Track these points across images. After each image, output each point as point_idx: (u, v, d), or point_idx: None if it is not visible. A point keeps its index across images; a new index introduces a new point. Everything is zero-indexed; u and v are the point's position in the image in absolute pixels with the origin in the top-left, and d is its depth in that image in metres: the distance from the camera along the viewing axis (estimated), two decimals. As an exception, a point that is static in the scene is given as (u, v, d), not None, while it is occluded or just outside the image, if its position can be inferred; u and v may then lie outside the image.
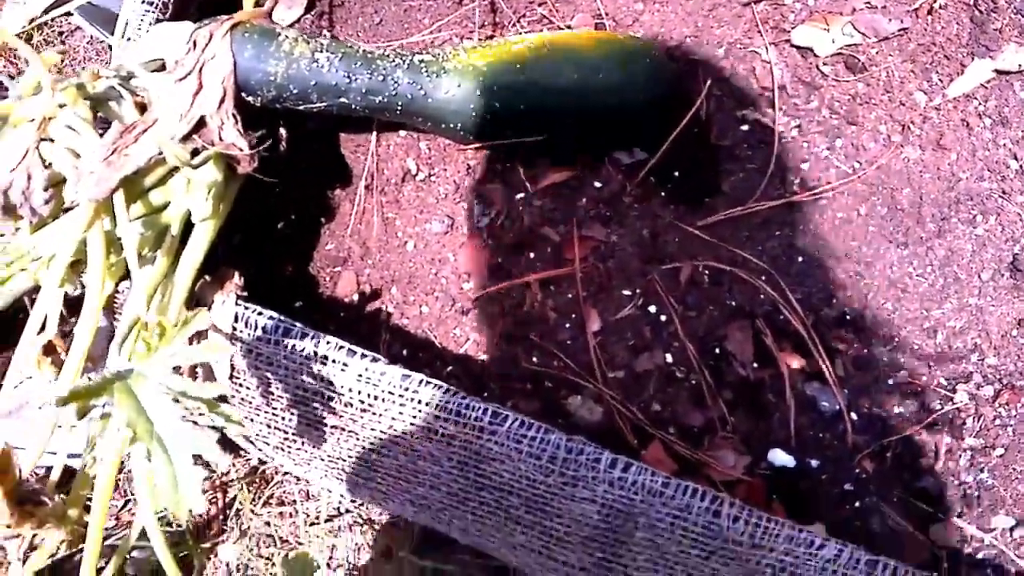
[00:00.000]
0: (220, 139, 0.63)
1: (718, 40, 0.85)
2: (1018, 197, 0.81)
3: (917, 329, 0.80)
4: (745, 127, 0.85)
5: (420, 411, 0.67)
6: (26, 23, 0.87)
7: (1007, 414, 0.79)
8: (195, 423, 0.52)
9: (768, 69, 0.84)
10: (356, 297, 0.84)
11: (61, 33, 1.32)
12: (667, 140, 0.82)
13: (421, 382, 0.67)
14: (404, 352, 0.83)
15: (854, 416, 0.79)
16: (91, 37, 1.33)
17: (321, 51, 0.68)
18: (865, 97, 0.84)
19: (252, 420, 0.73)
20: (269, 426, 0.73)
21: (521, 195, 0.82)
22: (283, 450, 0.75)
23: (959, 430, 0.79)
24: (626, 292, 0.81)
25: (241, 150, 0.63)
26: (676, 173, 0.85)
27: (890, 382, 0.80)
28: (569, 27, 0.86)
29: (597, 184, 0.83)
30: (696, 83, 0.85)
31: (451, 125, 0.73)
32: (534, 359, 0.81)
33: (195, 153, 0.64)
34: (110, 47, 1.31)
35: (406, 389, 0.66)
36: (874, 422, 0.79)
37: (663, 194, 0.84)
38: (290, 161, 0.86)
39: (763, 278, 0.81)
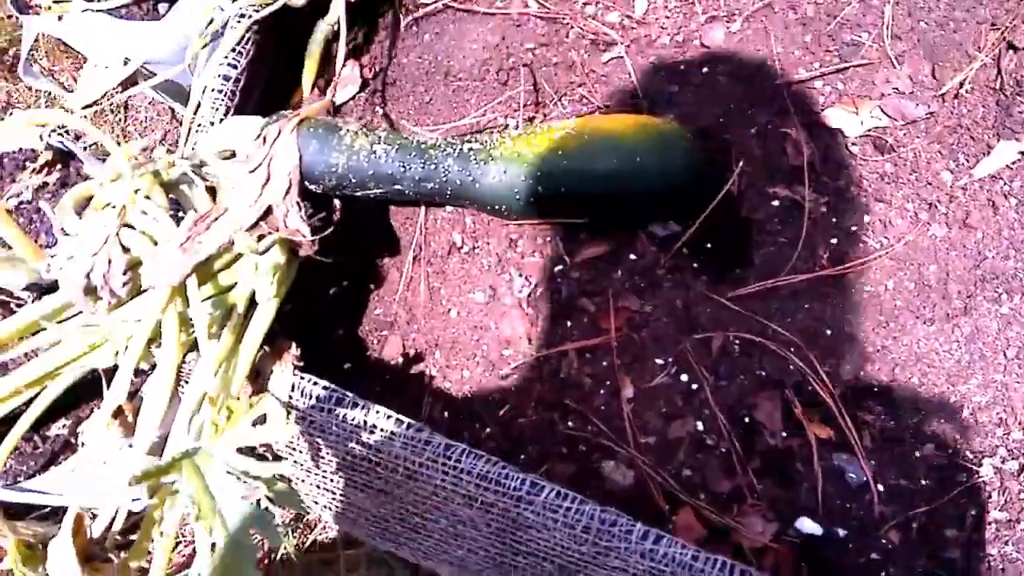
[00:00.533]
0: (285, 226, 0.67)
1: (750, 120, 0.88)
2: (1043, 276, 0.82)
3: (943, 403, 0.81)
4: (776, 203, 0.87)
5: (461, 479, 0.70)
6: (99, 95, 0.93)
7: (1033, 488, 0.79)
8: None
9: (798, 148, 0.86)
10: (401, 360, 0.88)
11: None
12: (700, 215, 0.84)
13: (463, 452, 0.70)
14: (445, 414, 0.86)
15: (880, 487, 0.80)
16: (152, 99, 1.40)
17: (379, 143, 0.72)
18: (893, 176, 0.86)
19: (303, 481, 0.77)
20: (318, 487, 0.76)
21: (560, 267, 0.85)
22: (330, 509, 0.78)
23: (984, 503, 0.79)
24: (659, 361, 0.84)
25: (304, 236, 0.67)
26: (709, 245, 0.88)
27: (916, 455, 0.81)
28: (607, 107, 0.90)
29: (632, 256, 0.86)
30: (729, 159, 0.88)
31: (496, 207, 0.77)
32: (570, 424, 0.84)
33: (260, 238, 0.68)
34: (171, 108, 1.38)
35: (448, 458, 0.70)
36: (900, 493, 0.80)
37: (696, 266, 0.87)
38: (343, 231, 0.90)
39: (792, 349, 0.83)
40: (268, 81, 0.88)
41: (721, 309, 0.85)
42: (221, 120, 0.75)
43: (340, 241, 0.91)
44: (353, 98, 0.96)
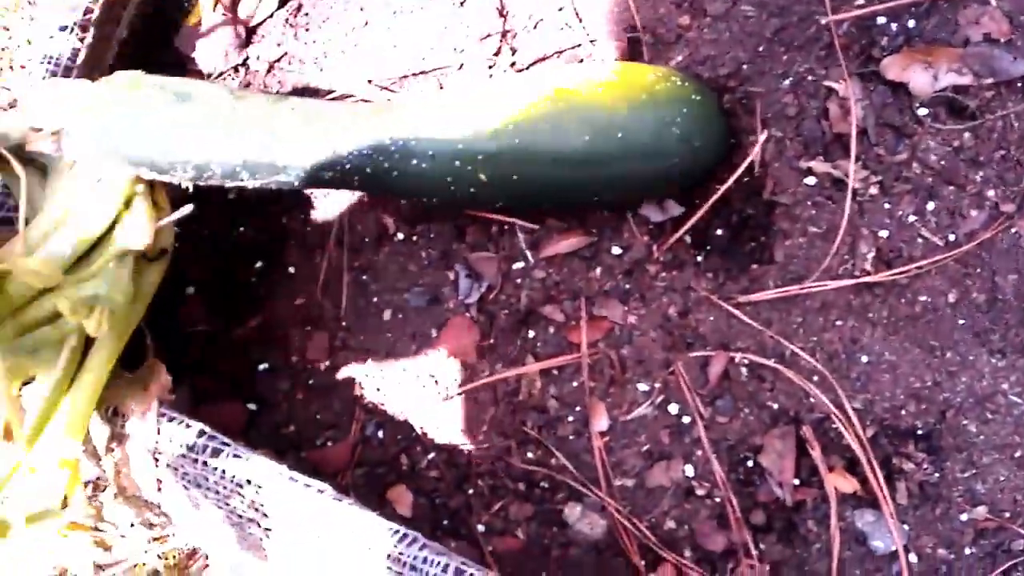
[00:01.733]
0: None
1: (783, 69, 0.67)
2: None
3: (1006, 458, 0.65)
4: (810, 180, 0.68)
5: (367, 557, 0.56)
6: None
7: (1112, 566, 0.64)
8: None
9: (846, 109, 0.66)
10: (328, 363, 0.73)
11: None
12: (709, 195, 0.66)
13: (372, 525, 0.56)
14: (380, 434, 0.72)
15: (914, 557, 0.65)
16: None
17: (250, 119, 0.54)
18: (972, 152, 0.66)
19: (190, 530, 0.64)
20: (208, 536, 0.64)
21: (520, 264, 0.68)
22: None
23: (1046, 581, 0.64)
24: (642, 387, 0.68)
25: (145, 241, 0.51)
26: (719, 233, 0.70)
27: (963, 517, 0.65)
28: (593, 43, 0.70)
29: (616, 250, 0.68)
30: (752, 121, 0.68)
31: (425, 200, 0.59)
32: (529, 455, 0.69)
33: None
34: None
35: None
36: (938, 566, 0.65)
37: (699, 260, 0.69)
38: (257, 197, 0.74)
39: (816, 378, 0.67)
40: None
41: (727, 319, 0.68)
42: (53, 73, 0.57)
43: (253, 207, 0.75)
44: (270, 17, 0.76)
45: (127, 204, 0.52)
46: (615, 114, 0.58)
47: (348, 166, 0.56)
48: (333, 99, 0.71)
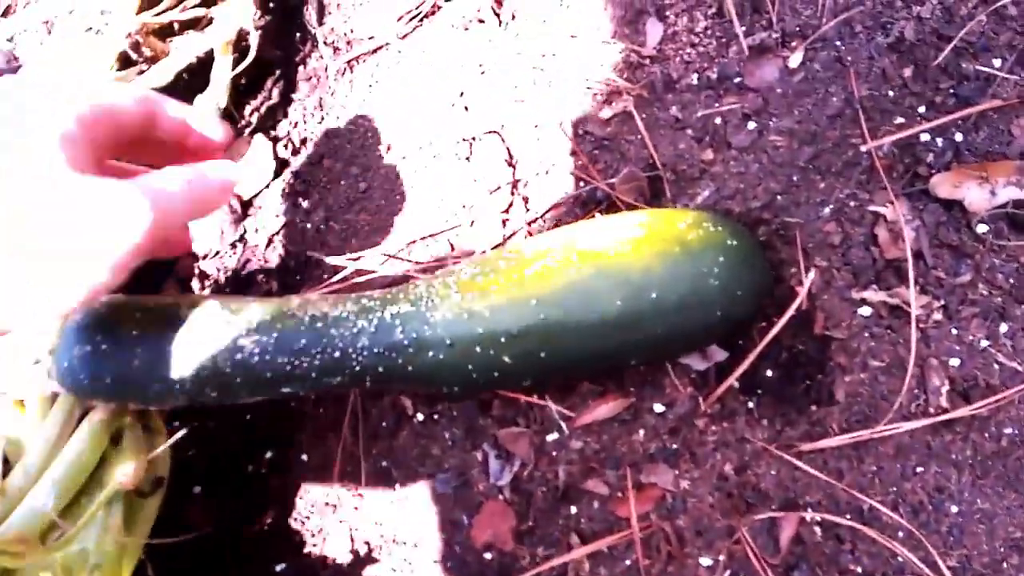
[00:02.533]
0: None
1: (822, 197, 0.63)
2: None
3: None
4: (865, 311, 0.63)
5: None
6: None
7: None
8: None
9: (896, 232, 0.61)
10: (351, 558, 0.67)
11: None
12: (753, 336, 0.61)
13: None
14: (415, 636, 0.65)
15: None
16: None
17: (244, 333, 0.49)
18: (1042, 266, 0.60)
19: None
20: None
21: (554, 436, 0.63)
22: None
23: None
24: (705, 561, 0.61)
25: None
26: (768, 374, 0.64)
27: None
28: (611, 186, 0.66)
29: (658, 408, 0.63)
30: (792, 252, 0.63)
31: (443, 390, 0.54)
32: (586, 649, 0.62)
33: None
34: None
35: None
36: None
37: (751, 406, 0.64)
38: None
39: (901, 535, 0.60)
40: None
41: (791, 473, 0.62)
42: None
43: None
44: (267, 187, 0.73)
45: (115, 440, 0.48)
46: (648, 274, 0.54)
47: (358, 368, 0.51)
48: (340, 278, 0.67)
